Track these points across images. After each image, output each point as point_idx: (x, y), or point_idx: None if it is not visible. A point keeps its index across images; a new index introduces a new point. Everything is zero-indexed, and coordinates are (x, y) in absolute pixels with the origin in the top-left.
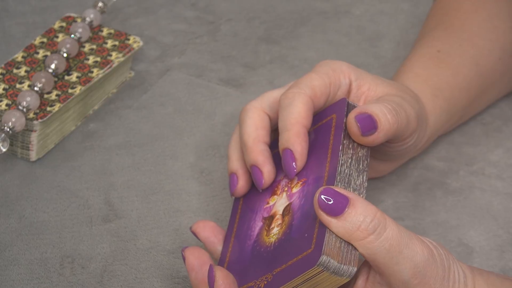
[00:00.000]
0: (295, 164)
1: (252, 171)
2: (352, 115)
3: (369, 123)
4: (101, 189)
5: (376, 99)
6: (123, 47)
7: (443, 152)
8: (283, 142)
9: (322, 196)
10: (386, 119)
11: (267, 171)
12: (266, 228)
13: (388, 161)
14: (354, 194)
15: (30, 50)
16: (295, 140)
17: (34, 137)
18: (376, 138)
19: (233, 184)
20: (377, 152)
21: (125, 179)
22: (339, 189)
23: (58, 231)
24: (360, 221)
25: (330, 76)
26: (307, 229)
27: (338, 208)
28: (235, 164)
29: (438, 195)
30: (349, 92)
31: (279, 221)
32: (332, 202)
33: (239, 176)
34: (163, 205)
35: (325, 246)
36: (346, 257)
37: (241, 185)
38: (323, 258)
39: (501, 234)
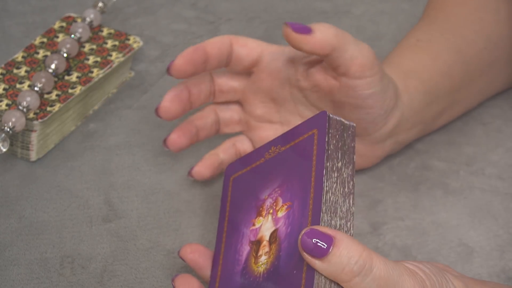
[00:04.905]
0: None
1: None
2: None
3: (303, 27)
4: (101, 189)
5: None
6: (123, 47)
7: (443, 152)
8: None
9: (306, 238)
10: (325, 28)
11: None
12: (254, 254)
13: (371, 144)
14: (340, 233)
15: (30, 50)
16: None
17: (34, 137)
18: (311, 39)
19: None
20: (351, 113)
21: (125, 179)
22: (323, 228)
23: (58, 231)
24: (344, 263)
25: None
26: (295, 265)
27: (322, 249)
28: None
29: (438, 195)
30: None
31: (267, 249)
32: (315, 243)
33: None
34: (163, 205)
35: None
36: None
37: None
38: None
39: (501, 234)
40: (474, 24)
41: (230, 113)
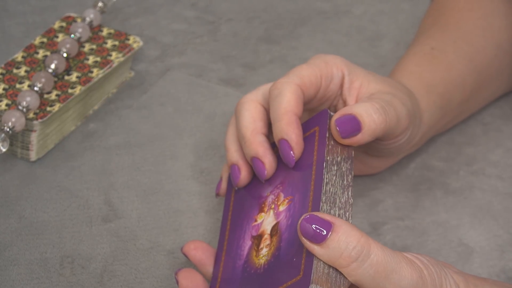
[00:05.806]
0: (293, 153)
1: (253, 163)
2: (334, 118)
3: (353, 124)
4: (101, 189)
5: (367, 96)
6: (123, 47)
7: (443, 152)
8: (277, 132)
9: (305, 223)
10: (371, 119)
11: (268, 161)
12: (255, 248)
13: (383, 157)
14: (338, 219)
15: (30, 50)
16: (288, 129)
17: (34, 137)
18: (360, 139)
19: (236, 175)
20: (370, 148)
21: (125, 179)
22: (322, 214)
23: (58, 231)
24: (343, 249)
25: (322, 68)
26: (295, 254)
27: (321, 235)
28: (235, 156)
29: (438, 195)
30: (341, 86)
31: (268, 241)
32: (314, 229)
33: (241, 167)
34: (163, 205)
35: (313, 274)
36: (335, 283)
37: (244, 175)
38: (312, 287)
39: (501, 234)
40: (485, 31)
41: None
